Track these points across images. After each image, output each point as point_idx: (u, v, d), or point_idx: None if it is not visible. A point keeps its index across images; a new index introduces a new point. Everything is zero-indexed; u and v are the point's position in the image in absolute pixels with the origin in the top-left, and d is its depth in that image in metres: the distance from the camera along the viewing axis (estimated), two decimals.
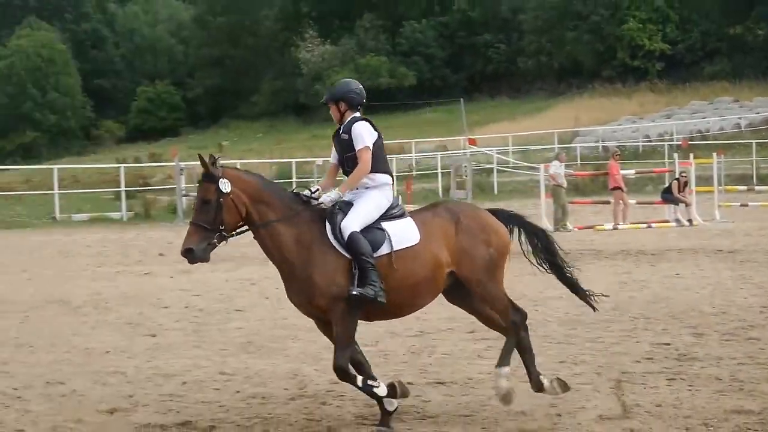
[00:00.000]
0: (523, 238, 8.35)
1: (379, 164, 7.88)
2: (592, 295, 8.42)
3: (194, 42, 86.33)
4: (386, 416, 7.39)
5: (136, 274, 17.34)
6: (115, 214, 33.00)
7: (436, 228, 7.83)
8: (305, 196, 7.78)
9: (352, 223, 7.51)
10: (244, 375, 9.30)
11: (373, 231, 7.62)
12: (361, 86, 8.12)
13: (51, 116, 79.49)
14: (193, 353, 10.23)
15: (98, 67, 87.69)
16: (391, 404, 7.40)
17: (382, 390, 7.36)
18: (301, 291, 7.53)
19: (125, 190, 34.60)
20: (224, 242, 7.54)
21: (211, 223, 7.37)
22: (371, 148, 7.78)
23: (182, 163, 32.16)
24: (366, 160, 7.75)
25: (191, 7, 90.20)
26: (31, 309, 13.49)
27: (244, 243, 8.77)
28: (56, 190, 33.36)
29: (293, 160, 41.08)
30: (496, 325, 8.23)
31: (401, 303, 7.78)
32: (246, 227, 7.60)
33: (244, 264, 18.21)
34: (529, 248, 8.34)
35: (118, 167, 38.95)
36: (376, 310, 7.60)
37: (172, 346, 10.68)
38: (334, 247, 7.48)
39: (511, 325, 7.96)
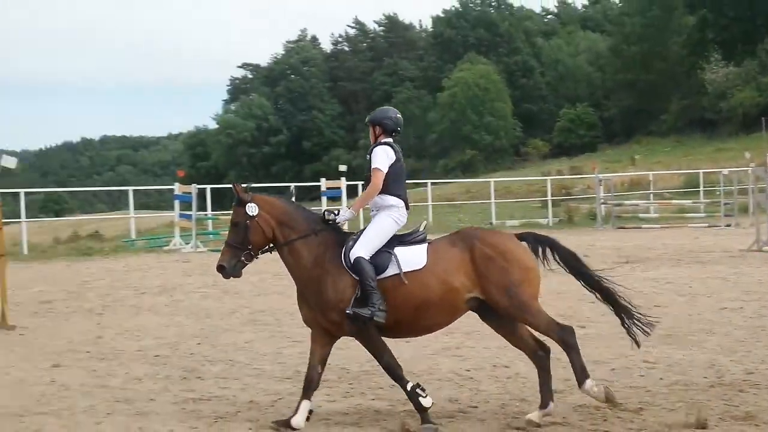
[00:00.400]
0: (556, 259, 7.81)
1: (393, 187, 7.66)
2: (640, 321, 7.73)
3: (610, 68, 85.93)
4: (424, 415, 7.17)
5: (564, 273, 17.45)
6: (542, 220, 33.43)
7: (448, 254, 7.47)
8: (329, 216, 7.65)
9: (359, 249, 7.37)
10: (665, 364, 9.14)
11: (381, 254, 7.43)
12: (398, 115, 7.94)
13: (486, 136, 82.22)
14: (619, 344, 10.17)
15: (527, 93, 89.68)
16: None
17: (427, 401, 7.18)
18: (316, 305, 7.45)
19: (551, 199, 35.15)
20: (255, 259, 7.63)
21: (240, 243, 7.52)
22: (384, 171, 7.58)
23: (600, 175, 32.59)
24: (375, 180, 7.59)
25: (608, 38, 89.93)
26: None
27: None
28: (492, 200, 34.39)
29: (700, 171, 39.85)
30: (526, 346, 7.68)
31: (410, 322, 7.48)
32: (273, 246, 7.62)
33: (659, 266, 18.03)
34: (565, 269, 7.86)
35: (544, 179, 39.55)
36: (386, 329, 7.39)
37: (600, 336, 10.60)
38: (342, 265, 7.39)
39: (560, 342, 7.44)
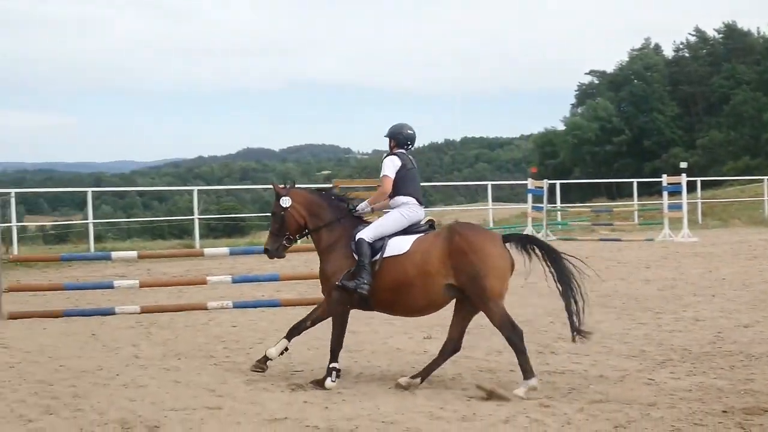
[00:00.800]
0: (541, 258, 8.05)
1: (401, 188, 8.16)
2: (580, 331, 7.69)
3: None
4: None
5: None
6: None
7: (430, 245, 7.76)
8: (352, 207, 8.23)
9: (364, 233, 7.91)
10: None
11: (381, 240, 7.88)
12: (410, 131, 8.43)
13: None
14: None
15: None
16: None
17: (329, 384, 7.60)
18: (321, 276, 8.13)
19: None
20: (295, 242, 8.40)
21: (278, 230, 8.23)
22: (390, 177, 8.15)
23: None
24: (384, 185, 8.19)
25: None
26: None
27: None
28: None
29: None
30: (453, 337, 7.88)
31: (392, 299, 7.86)
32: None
33: None
34: (546, 267, 8.05)
35: None
36: (375, 304, 7.92)
37: None
38: (351, 249, 7.90)
39: (508, 341, 7.64)
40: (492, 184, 28.98)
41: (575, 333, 7.73)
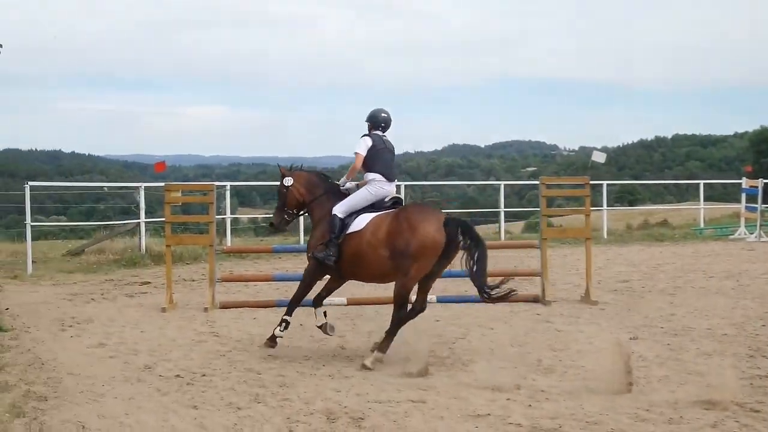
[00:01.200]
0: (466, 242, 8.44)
1: (371, 166, 9.16)
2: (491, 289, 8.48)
3: None
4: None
5: None
6: None
7: (381, 221, 8.70)
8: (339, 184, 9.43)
9: (337, 209, 8.98)
10: None
11: (351, 216, 8.91)
12: (385, 114, 9.39)
13: None
14: None
15: None
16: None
17: (279, 333, 8.96)
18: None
19: None
20: (295, 217, 9.58)
21: (282, 206, 9.45)
22: (361, 154, 9.16)
23: None
24: (355, 161, 9.20)
25: None
26: None
27: None
28: None
29: None
30: (420, 300, 8.75)
31: (352, 270, 8.94)
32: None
33: None
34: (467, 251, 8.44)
35: None
36: (342, 272, 9.04)
37: None
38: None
39: (392, 317, 8.61)
40: (704, 183, 27.88)
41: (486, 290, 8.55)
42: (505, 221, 23.60)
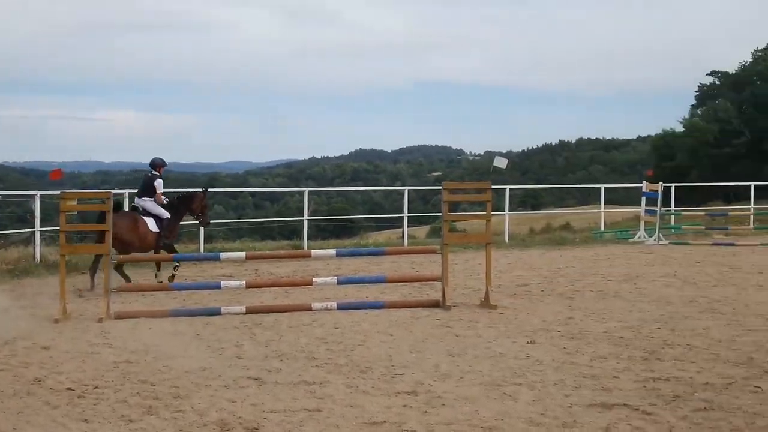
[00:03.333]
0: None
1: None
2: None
3: None
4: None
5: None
6: None
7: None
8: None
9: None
10: None
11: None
12: (152, 160, 15.91)
13: None
14: None
15: None
16: None
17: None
18: None
19: None
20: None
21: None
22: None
23: None
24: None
25: None
26: None
27: None
28: None
29: None
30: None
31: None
32: None
33: None
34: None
35: None
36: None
37: None
38: None
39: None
40: (605, 187, 28.47)
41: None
42: (410, 226, 23.71)
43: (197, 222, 16.56)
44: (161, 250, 15.30)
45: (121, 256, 13.94)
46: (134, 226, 14.96)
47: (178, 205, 15.77)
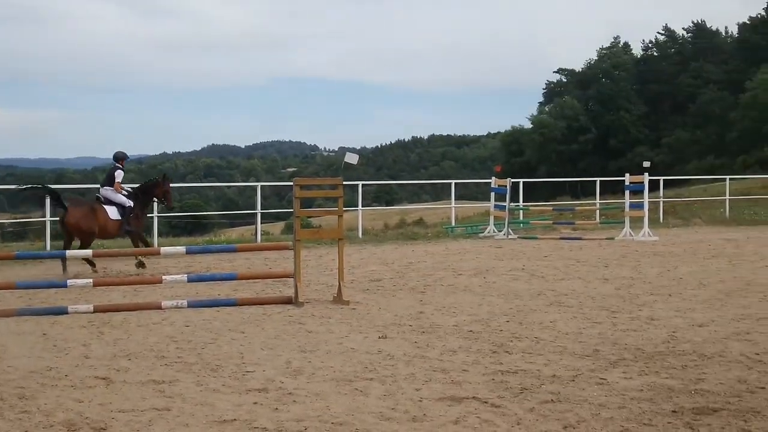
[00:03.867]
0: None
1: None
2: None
3: None
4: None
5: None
6: None
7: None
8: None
9: None
10: None
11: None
12: (119, 155, 17.34)
13: None
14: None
15: None
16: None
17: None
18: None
19: None
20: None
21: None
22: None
23: None
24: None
25: None
26: None
27: None
28: None
29: None
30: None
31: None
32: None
33: None
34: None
35: None
36: None
37: None
38: None
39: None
40: (456, 183, 29.04)
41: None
42: (267, 222, 23.64)
43: (165, 206, 18.22)
44: (129, 238, 17.08)
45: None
46: (91, 215, 16.20)
47: (140, 194, 17.28)
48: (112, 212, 16.53)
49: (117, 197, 16.76)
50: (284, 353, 9.02)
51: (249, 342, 9.65)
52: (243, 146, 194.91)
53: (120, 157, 17.25)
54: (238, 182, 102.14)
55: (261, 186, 24.07)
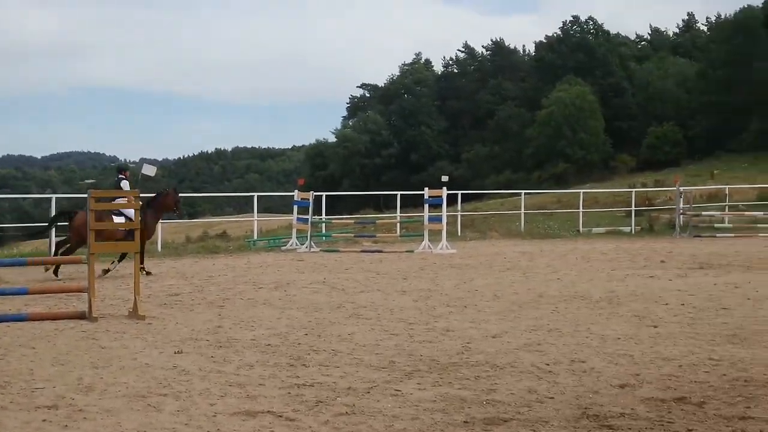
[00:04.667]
0: None
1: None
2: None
3: (696, 90, 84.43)
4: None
5: (642, 277, 17.20)
6: (625, 228, 33.01)
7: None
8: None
9: None
10: (729, 361, 8.89)
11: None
12: (122, 167, 18.24)
13: (579, 151, 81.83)
14: (687, 342, 10.00)
15: (618, 112, 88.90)
16: None
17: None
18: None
19: (634, 209, 34.62)
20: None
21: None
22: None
23: (681, 188, 31.88)
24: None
25: (696, 64, 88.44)
26: (559, 302, 13.61)
27: None
28: (580, 209, 33.94)
29: None
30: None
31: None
32: None
33: (730, 271, 17.65)
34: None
35: (629, 191, 38.98)
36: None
37: (671, 335, 10.43)
38: None
39: None
40: (259, 196, 29.00)
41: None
42: (60, 236, 22.80)
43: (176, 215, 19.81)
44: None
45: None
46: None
47: (153, 204, 18.25)
48: (119, 220, 16.80)
49: (126, 211, 16.51)
50: (76, 369, 8.76)
51: (39, 358, 9.33)
52: (39, 157, 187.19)
53: (123, 169, 18.58)
54: (33, 194, 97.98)
55: (56, 198, 23.26)
